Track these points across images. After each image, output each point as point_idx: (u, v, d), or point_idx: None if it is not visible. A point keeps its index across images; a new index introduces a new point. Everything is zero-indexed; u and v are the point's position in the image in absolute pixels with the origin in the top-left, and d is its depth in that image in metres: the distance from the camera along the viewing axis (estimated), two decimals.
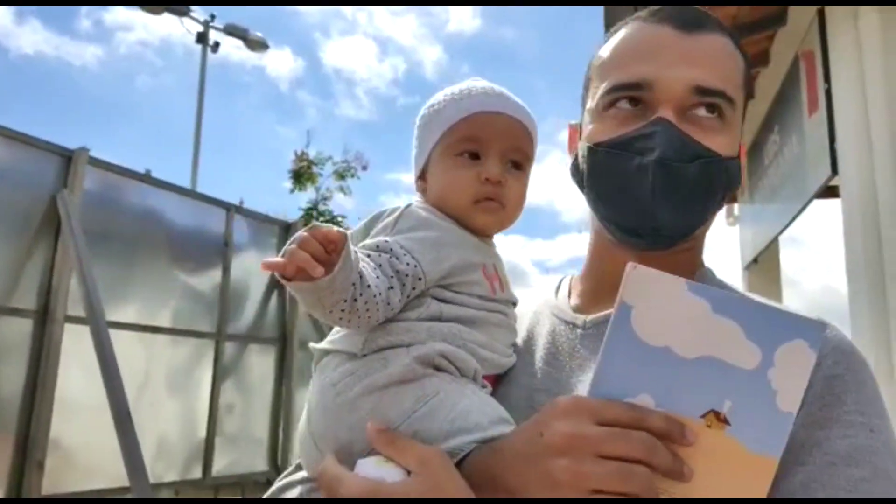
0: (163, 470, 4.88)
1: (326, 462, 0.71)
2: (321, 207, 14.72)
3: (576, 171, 0.88)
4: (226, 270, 5.74)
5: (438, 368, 0.78)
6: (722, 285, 0.87)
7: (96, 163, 4.63)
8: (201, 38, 12.46)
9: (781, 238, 5.06)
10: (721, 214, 7.10)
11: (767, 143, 4.80)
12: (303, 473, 0.83)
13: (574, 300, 0.93)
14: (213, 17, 12.53)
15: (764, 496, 0.63)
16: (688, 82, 0.80)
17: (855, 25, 3.19)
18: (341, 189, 15.09)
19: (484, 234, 0.90)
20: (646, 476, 0.61)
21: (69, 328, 4.20)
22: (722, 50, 0.84)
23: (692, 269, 0.88)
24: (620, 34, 0.87)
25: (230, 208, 5.91)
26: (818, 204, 4.01)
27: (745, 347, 0.63)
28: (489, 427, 0.74)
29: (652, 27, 0.84)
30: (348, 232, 0.75)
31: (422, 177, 0.92)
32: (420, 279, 0.79)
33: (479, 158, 0.88)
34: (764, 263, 6.02)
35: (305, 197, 15.07)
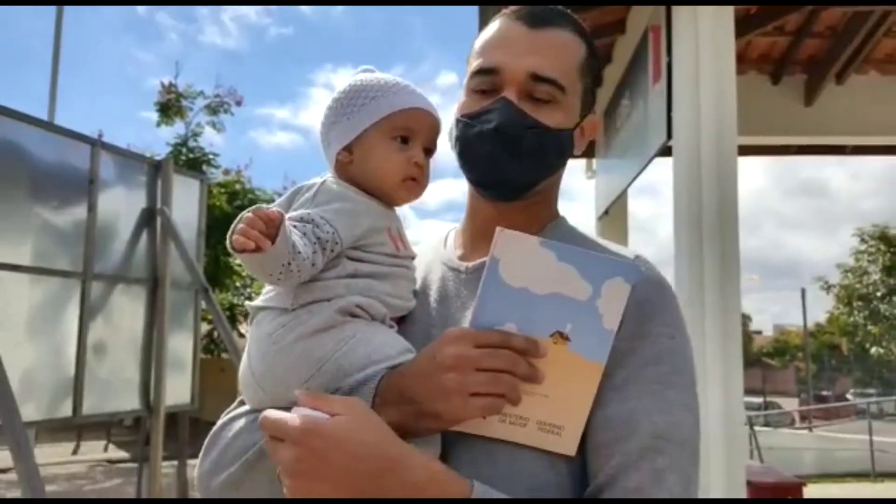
0: (32, 410, 4.80)
1: (266, 410, 0.83)
2: (191, 143, 14.14)
3: (450, 137, 1.07)
4: (91, 208, 5.55)
5: (354, 316, 0.95)
6: (572, 231, 1.07)
7: None
8: None
9: (638, 189, 5.61)
10: (582, 168, 7.66)
11: (620, 105, 5.26)
12: (246, 407, 1.00)
13: (458, 250, 1.11)
14: None
15: (593, 393, 0.85)
16: (526, 70, 0.98)
17: (694, 6, 3.61)
18: (213, 125, 14.54)
19: (396, 205, 1.06)
20: (510, 381, 0.83)
21: None
22: (562, 44, 1.01)
23: (547, 218, 1.08)
24: (488, 27, 1.06)
25: (95, 144, 5.70)
26: (670, 160, 4.50)
27: (580, 285, 0.83)
28: (397, 356, 0.92)
29: (509, 23, 1.03)
30: (273, 204, 0.95)
31: (347, 150, 1.06)
32: (337, 243, 0.95)
33: (407, 144, 1.04)
34: (614, 214, 6.63)
35: (171, 131, 14.40)
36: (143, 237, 6.15)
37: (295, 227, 0.93)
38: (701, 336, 3.37)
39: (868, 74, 6.06)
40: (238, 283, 14.46)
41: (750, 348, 43.66)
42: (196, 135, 14.34)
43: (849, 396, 31.57)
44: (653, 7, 4.19)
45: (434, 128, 1.07)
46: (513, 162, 0.98)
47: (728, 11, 3.57)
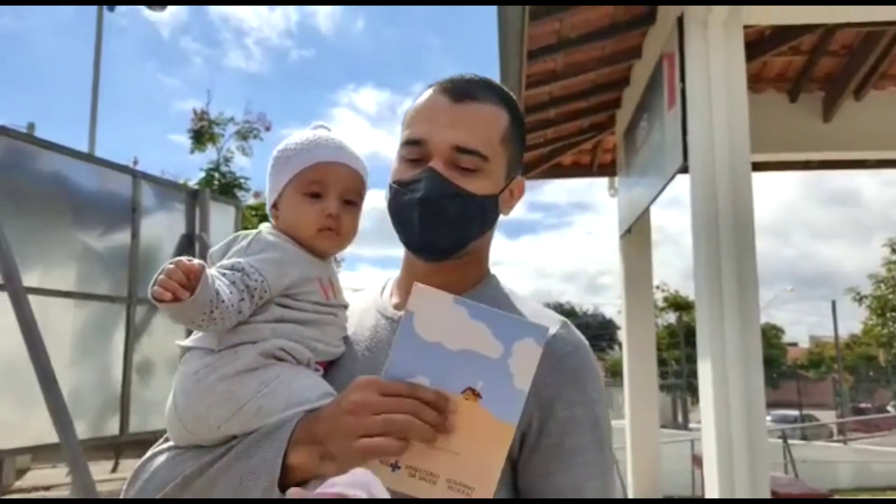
0: (80, 429, 5.04)
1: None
2: (223, 168, 14.52)
3: (386, 199, 1.10)
4: (134, 235, 5.83)
5: (279, 359, 0.98)
6: (499, 290, 1.12)
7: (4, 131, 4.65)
8: None
9: (666, 202, 5.72)
10: (605, 186, 7.75)
11: (639, 127, 5.40)
12: (169, 443, 1.04)
13: (394, 298, 1.16)
14: None
15: (504, 454, 0.84)
16: (450, 142, 1.03)
17: (705, 34, 3.75)
18: (242, 150, 14.91)
19: (323, 256, 1.11)
20: (404, 422, 0.82)
21: None
22: (484, 117, 1.06)
23: (478, 276, 1.13)
24: (419, 98, 1.11)
25: (136, 175, 6.01)
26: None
27: (492, 343, 0.84)
28: (316, 400, 0.95)
29: (436, 96, 1.07)
30: (210, 251, 1.05)
31: (275, 206, 1.13)
32: (266, 291, 1.00)
33: (321, 197, 1.08)
34: (636, 231, 6.73)
35: (204, 157, 14.80)
36: None
37: (224, 274, 0.99)
38: (721, 348, 3.49)
39: (886, 90, 6.13)
40: None
41: (784, 360, 42.85)
42: (227, 160, 14.73)
43: (889, 409, 30.81)
44: (667, 34, 4.35)
45: (348, 178, 1.11)
46: (439, 228, 1.04)
47: (738, 36, 3.71)
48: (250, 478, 0.90)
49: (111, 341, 5.60)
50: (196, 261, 0.92)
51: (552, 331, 0.98)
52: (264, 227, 1.10)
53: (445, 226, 1.04)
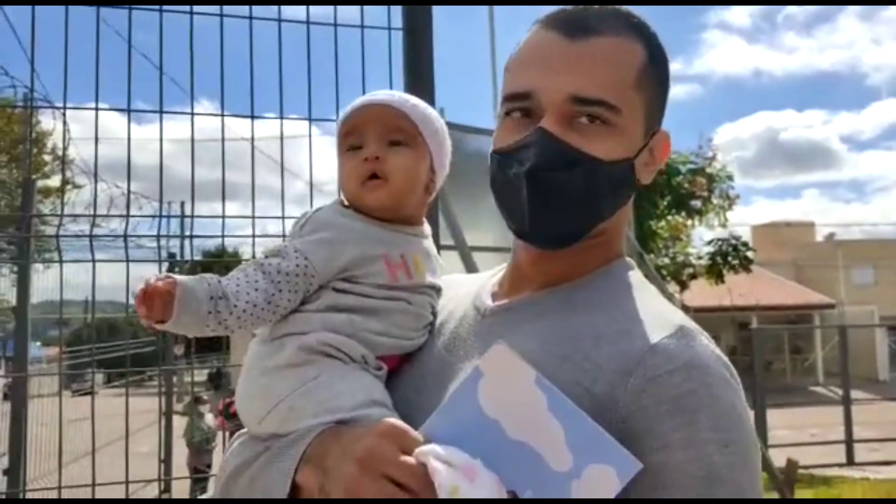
0: None
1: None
2: None
3: (489, 172, 0.92)
4: None
5: (328, 355, 0.89)
6: (621, 282, 0.89)
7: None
8: None
9: None
10: None
11: None
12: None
13: (495, 286, 0.98)
14: None
15: None
16: (566, 92, 0.82)
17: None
18: None
19: (380, 213, 0.97)
20: None
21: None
22: (609, 54, 0.84)
23: (599, 262, 0.90)
24: (524, 39, 0.90)
25: None
26: None
27: (562, 451, 0.68)
28: (352, 409, 0.85)
29: (544, 34, 0.87)
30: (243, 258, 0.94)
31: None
32: (313, 276, 0.91)
33: (360, 149, 0.97)
34: None
35: None
36: None
37: (262, 265, 0.91)
38: None
39: None
40: (660, 245, 14.58)
41: None
42: None
43: None
44: None
45: (385, 117, 0.96)
46: (556, 209, 0.83)
47: None
48: (272, 488, 0.84)
49: None
50: (163, 281, 0.84)
51: (655, 339, 0.76)
52: (329, 202, 1.01)
53: (564, 205, 0.83)
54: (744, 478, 0.72)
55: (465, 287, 1.01)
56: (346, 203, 0.99)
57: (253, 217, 2.01)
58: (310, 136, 2.10)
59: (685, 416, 0.71)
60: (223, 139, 1.99)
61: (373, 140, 0.95)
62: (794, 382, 23.92)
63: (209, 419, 9.79)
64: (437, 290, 1.00)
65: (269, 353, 0.92)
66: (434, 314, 0.99)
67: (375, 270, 0.93)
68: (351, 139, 0.97)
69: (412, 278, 0.96)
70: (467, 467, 0.69)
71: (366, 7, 1.93)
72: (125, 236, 2.05)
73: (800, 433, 11.75)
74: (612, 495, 0.67)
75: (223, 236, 2.13)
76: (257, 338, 0.96)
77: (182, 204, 7.00)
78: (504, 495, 0.68)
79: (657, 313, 0.82)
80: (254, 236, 2.05)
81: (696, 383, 0.73)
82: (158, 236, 2.42)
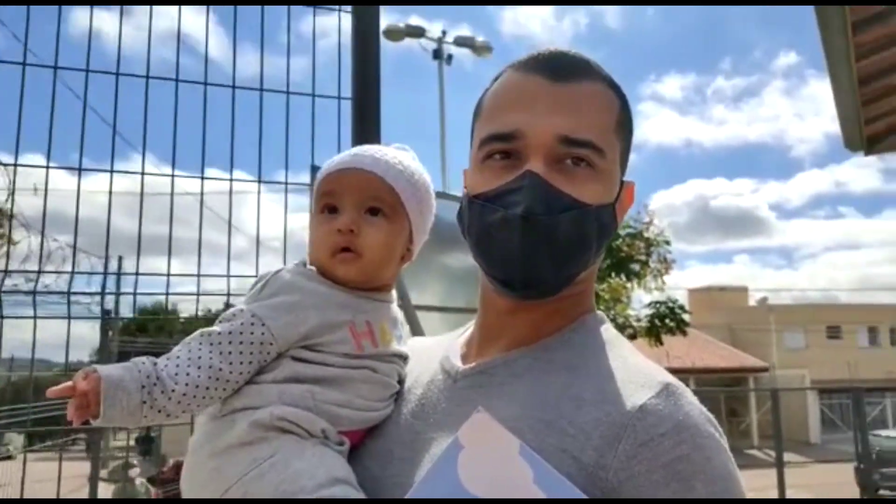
0: None
1: None
2: None
3: (461, 219, 0.89)
4: None
5: (285, 430, 0.83)
6: (597, 335, 0.86)
7: None
8: (436, 54, 13.46)
9: None
10: None
11: None
12: None
13: (463, 346, 0.94)
14: (444, 33, 13.59)
15: None
16: (556, 133, 0.80)
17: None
18: None
19: (350, 286, 0.92)
20: None
21: None
22: (593, 97, 0.84)
23: (574, 315, 0.88)
24: (498, 82, 0.88)
25: None
26: None
27: None
28: (313, 490, 0.78)
29: (524, 77, 0.85)
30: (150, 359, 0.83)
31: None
32: (271, 344, 0.85)
33: (336, 212, 0.91)
34: None
35: None
36: None
37: (210, 334, 0.85)
38: None
39: None
40: (602, 307, 13.88)
41: None
42: None
43: None
44: None
45: (364, 183, 0.91)
46: (548, 257, 0.80)
47: None
48: None
49: None
50: (86, 379, 0.79)
51: (641, 400, 0.73)
52: (291, 263, 0.94)
53: (556, 253, 0.80)
54: None
55: (429, 350, 0.97)
56: (310, 265, 0.94)
57: (199, 275, 2.00)
58: (259, 193, 2.13)
59: (681, 484, 0.69)
60: (172, 194, 1.99)
61: (350, 208, 0.91)
62: (730, 445, 24.27)
63: (138, 485, 9.32)
64: (405, 358, 0.96)
65: (218, 430, 0.85)
66: (401, 382, 0.94)
67: (340, 338, 0.88)
68: (328, 199, 0.92)
69: (378, 346, 0.91)
70: None
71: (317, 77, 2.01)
72: (69, 293, 2.01)
73: None
74: None
75: (167, 294, 2.10)
76: (206, 414, 0.88)
77: (120, 259, 6.86)
78: None
79: (638, 370, 0.79)
80: (198, 294, 2.04)
81: (689, 447, 0.71)
82: (103, 293, 2.37)
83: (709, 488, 0.69)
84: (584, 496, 0.65)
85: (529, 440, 0.69)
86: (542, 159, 0.80)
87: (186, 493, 0.87)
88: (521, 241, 0.79)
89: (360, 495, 0.79)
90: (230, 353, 0.83)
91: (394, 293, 1.00)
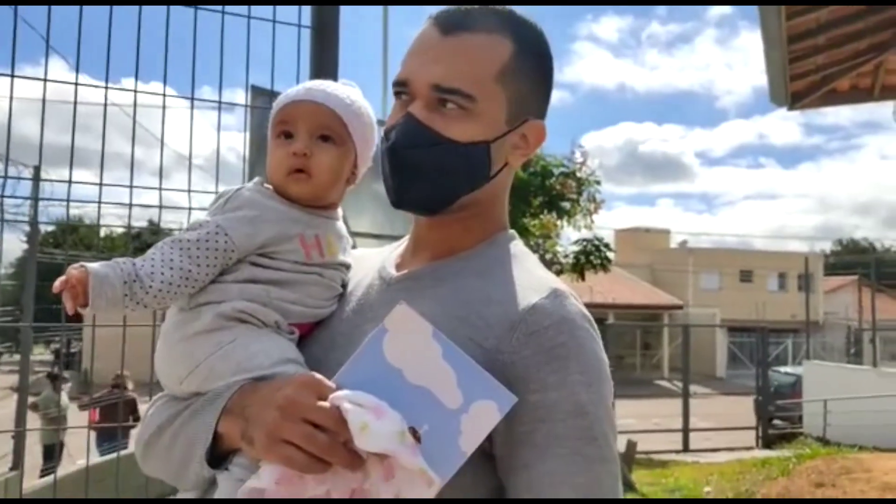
0: None
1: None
2: None
3: None
4: None
5: (244, 321, 0.97)
6: (504, 252, 1.00)
7: None
8: None
9: None
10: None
11: None
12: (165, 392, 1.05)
13: (398, 258, 1.08)
14: None
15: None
16: (429, 81, 0.93)
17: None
18: None
19: (304, 204, 1.04)
20: (325, 443, 0.79)
21: None
22: (472, 48, 0.94)
23: (483, 233, 1.02)
24: (418, 30, 1.00)
25: None
26: None
27: (454, 391, 0.80)
28: (269, 367, 0.93)
29: (427, 28, 0.97)
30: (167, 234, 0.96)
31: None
32: (233, 251, 0.97)
33: (291, 138, 1.03)
34: None
35: None
36: None
37: (181, 240, 0.97)
38: None
39: None
40: (532, 242, 13.94)
41: None
42: None
43: None
44: None
45: (317, 114, 1.03)
46: (414, 181, 0.96)
47: None
48: (195, 440, 0.93)
49: None
50: (77, 270, 0.91)
51: (533, 300, 0.89)
52: (251, 182, 1.06)
53: (421, 179, 0.95)
54: (601, 411, 0.87)
55: (371, 260, 1.12)
56: (268, 184, 1.06)
57: (131, 186, 2.01)
58: (192, 109, 2.15)
59: (558, 363, 0.85)
60: (75, 103, 1.95)
61: (303, 134, 1.02)
62: (642, 376, 25.74)
63: (65, 397, 9.25)
64: (347, 266, 1.10)
65: (187, 320, 0.98)
66: (344, 286, 1.08)
67: (291, 248, 1.01)
68: (283, 127, 1.04)
69: (324, 257, 1.04)
70: (375, 407, 0.80)
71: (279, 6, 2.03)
72: (1, 197, 1.99)
73: (644, 422, 12.73)
74: (494, 425, 0.80)
75: (99, 202, 2.09)
76: (175, 307, 1.01)
77: (37, 168, 6.57)
78: (405, 429, 0.79)
79: (536, 278, 0.95)
80: (130, 205, 2.05)
81: (566, 337, 0.87)
82: (36, 199, 2.34)
83: (580, 367, 0.86)
84: (479, 366, 0.81)
85: (445, 332, 0.84)
86: (423, 103, 0.94)
87: (160, 372, 1.01)
88: (391, 168, 0.96)
89: (308, 371, 0.93)
90: (198, 257, 0.96)
91: (340, 211, 1.11)
